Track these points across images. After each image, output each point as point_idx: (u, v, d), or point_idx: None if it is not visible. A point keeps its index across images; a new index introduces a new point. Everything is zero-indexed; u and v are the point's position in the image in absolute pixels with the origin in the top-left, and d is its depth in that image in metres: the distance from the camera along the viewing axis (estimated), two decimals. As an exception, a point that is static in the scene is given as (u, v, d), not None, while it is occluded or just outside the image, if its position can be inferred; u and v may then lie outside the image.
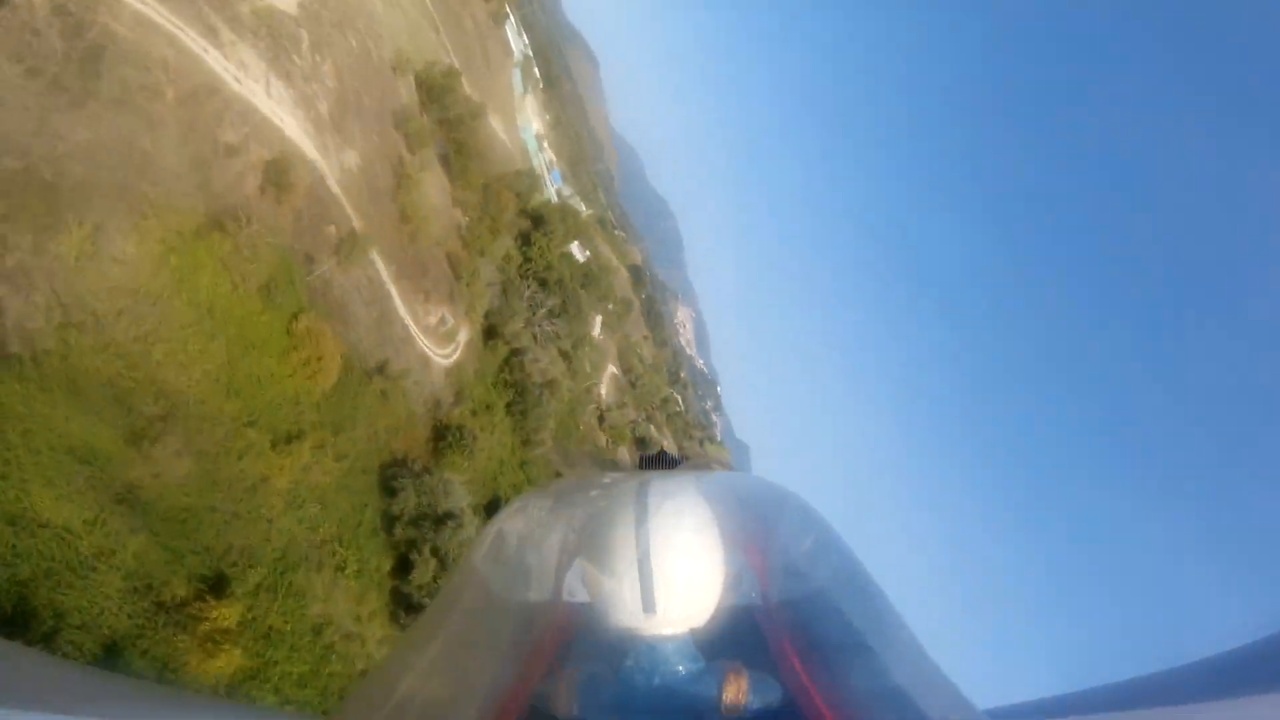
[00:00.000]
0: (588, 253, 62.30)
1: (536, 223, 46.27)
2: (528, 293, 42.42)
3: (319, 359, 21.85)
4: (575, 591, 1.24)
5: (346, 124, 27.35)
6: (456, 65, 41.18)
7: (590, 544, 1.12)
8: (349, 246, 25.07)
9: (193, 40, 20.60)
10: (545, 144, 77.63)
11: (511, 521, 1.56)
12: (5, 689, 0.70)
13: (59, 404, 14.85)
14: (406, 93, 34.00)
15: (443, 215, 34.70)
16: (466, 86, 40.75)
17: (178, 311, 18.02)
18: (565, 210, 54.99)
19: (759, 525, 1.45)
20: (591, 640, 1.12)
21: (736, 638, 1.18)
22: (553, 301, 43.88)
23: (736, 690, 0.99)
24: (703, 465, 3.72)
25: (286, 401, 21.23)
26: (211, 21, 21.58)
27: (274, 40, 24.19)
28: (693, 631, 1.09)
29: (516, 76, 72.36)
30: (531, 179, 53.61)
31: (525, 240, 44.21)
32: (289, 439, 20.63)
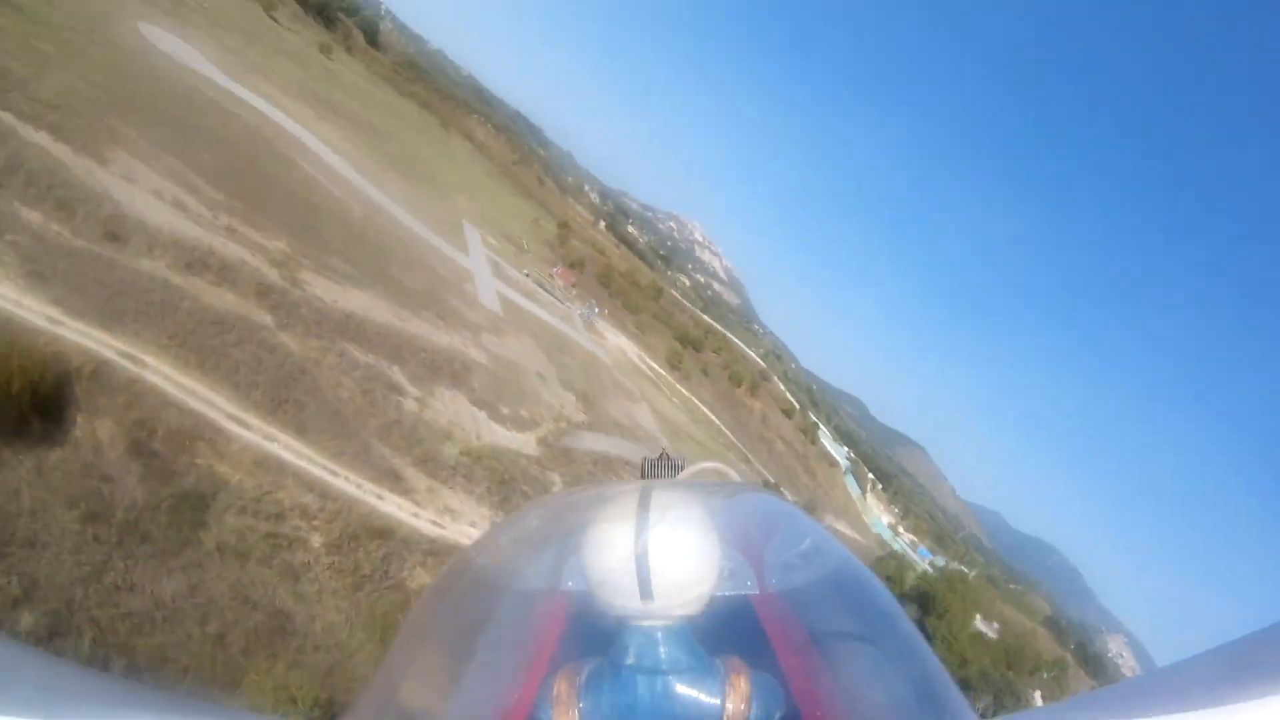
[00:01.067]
0: (995, 624, 54.19)
1: (924, 605, 43.01)
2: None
3: None
4: (575, 580, 1.23)
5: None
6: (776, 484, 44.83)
7: (590, 535, 1.11)
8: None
9: (355, 485, 16.39)
10: (900, 529, 76.19)
11: (512, 521, 1.59)
12: (5, 689, 0.67)
13: None
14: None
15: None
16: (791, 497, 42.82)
17: None
18: (949, 577, 51.44)
19: (758, 525, 1.46)
20: (590, 629, 1.12)
21: (735, 629, 1.18)
22: (984, 702, 37.19)
23: (739, 697, 0.99)
24: (707, 470, 2.67)
25: None
26: (390, 465, 17.73)
27: (502, 484, 20.05)
28: (690, 620, 1.09)
29: (850, 481, 75.60)
30: (897, 559, 52.13)
31: (920, 627, 40.70)
32: None
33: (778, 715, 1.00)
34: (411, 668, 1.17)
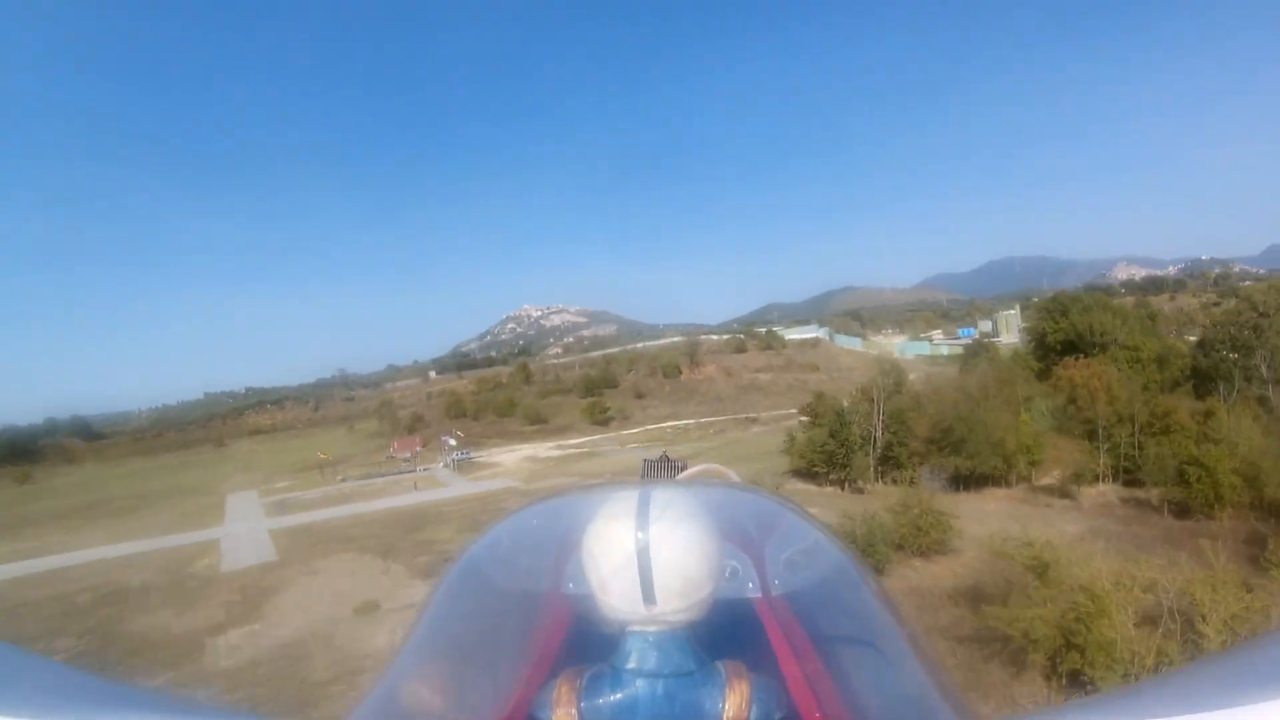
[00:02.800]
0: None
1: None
2: None
3: None
4: (575, 583, 1.27)
5: None
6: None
7: (591, 539, 1.08)
8: None
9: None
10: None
11: (515, 521, 1.47)
12: (5, 689, 0.70)
13: None
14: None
15: None
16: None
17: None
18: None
19: (757, 526, 1.46)
20: (591, 631, 1.11)
21: (735, 632, 1.18)
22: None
23: (740, 700, 0.98)
24: (706, 472, 1.92)
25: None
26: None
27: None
28: (692, 625, 1.06)
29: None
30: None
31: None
32: None
33: (778, 718, 1.01)
34: (414, 669, 1.16)
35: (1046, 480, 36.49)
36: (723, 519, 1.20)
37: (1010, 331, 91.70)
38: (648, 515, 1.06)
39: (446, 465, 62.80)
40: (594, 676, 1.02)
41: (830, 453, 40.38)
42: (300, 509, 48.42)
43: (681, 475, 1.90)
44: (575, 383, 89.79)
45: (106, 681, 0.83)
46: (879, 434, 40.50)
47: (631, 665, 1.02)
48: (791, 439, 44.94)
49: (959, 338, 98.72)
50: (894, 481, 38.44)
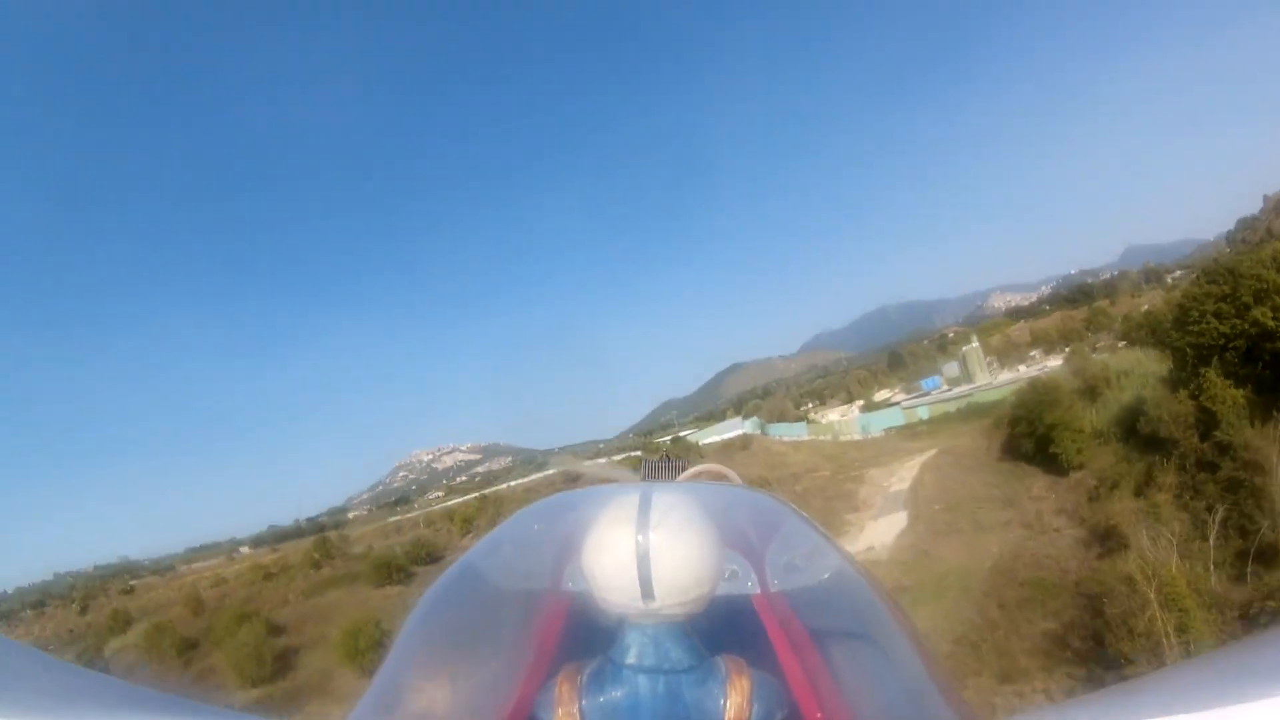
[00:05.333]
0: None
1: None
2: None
3: None
4: (575, 580, 1.28)
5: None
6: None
7: (591, 536, 1.10)
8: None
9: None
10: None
11: (513, 522, 1.49)
12: (5, 689, 0.69)
13: None
14: None
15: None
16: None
17: None
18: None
19: (757, 525, 1.46)
20: (591, 630, 1.12)
21: (736, 629, 1.19)
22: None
23: (741, 696, 0.99)
24: (706, 472, 1.96)
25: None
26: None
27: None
28: (691, 619, 1.07)
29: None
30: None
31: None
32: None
33: (779, 714, 1.02)
34: (413, 669, 1.15)
35: None
36: (723, 519, 1.20)
37: (984, 370, 68.18)
38: (648, 515, 1.05)
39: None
40: (594, 674, 1.02)
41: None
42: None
43: (682, 475, 1.88)
44: (387, 558, 53.40)
45: (106, 681, 0.82)
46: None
47: (631, 661, 1.02)
48: None
49: (923, 391, 74.58)
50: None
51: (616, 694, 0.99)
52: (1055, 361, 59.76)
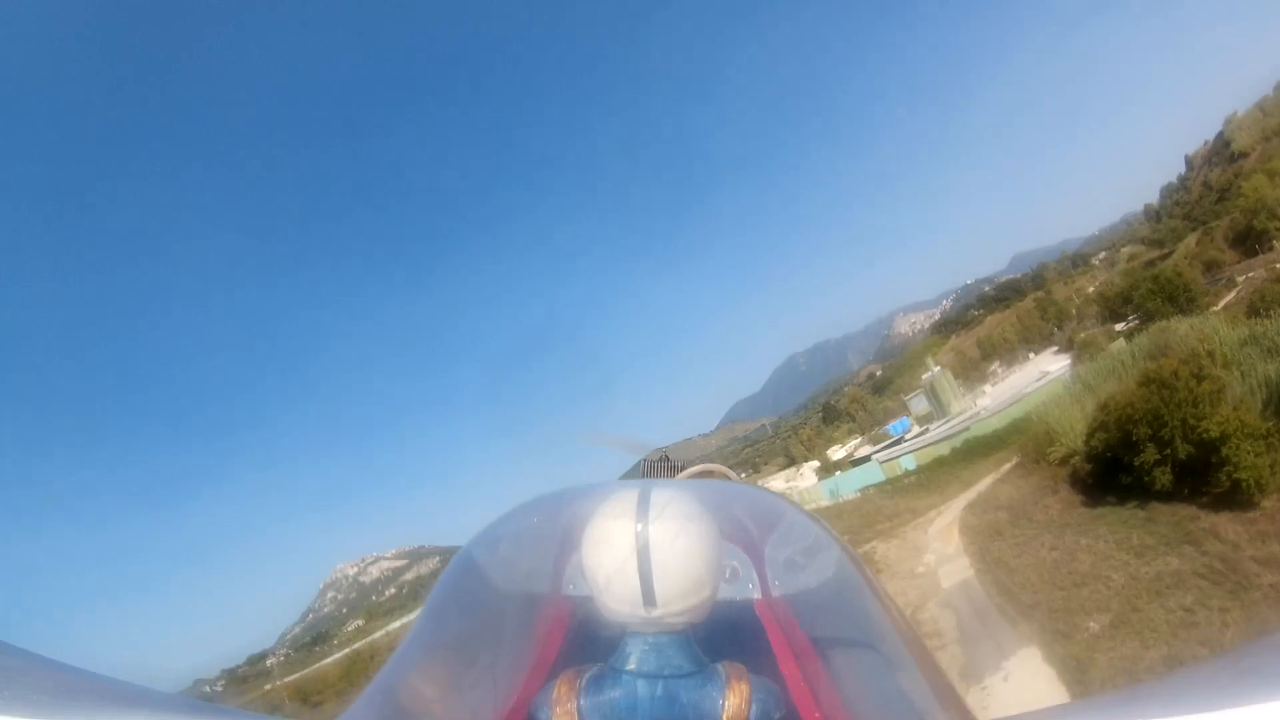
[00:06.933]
0: None
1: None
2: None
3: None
4: (576, 585, 1.32)
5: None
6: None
7: (592, 538, 1.09)
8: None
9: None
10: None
11: (512, 521, 1.45)
12: (5, 689, 0.70)
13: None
14: None
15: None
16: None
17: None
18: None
19: (758, 525, 1.45)
20: (591, 633, 1.13)
21: (736, 634, 1.21)
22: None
23: (740, 700, 0.99)
24: (706, 471, 1.98)
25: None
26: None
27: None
28: (692, 626, 1.08)
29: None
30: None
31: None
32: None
33: (778, 718, 1.02)
34: (413, 668, 1.15)
35: None
36: (723, 517, 1.19)
37: (959, 398, 55.74)
38: (647, 514, 1.05)
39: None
40: (593, 677, 1.03)
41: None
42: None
43: (681, 475, 1.85)
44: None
45: (107, 681, 0.80)
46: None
47: (631, 666, 1.03)
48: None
49: (894, 438, 60.95)
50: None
51: (615, 697, 1.00)
52: (1056, 364, 47.12)
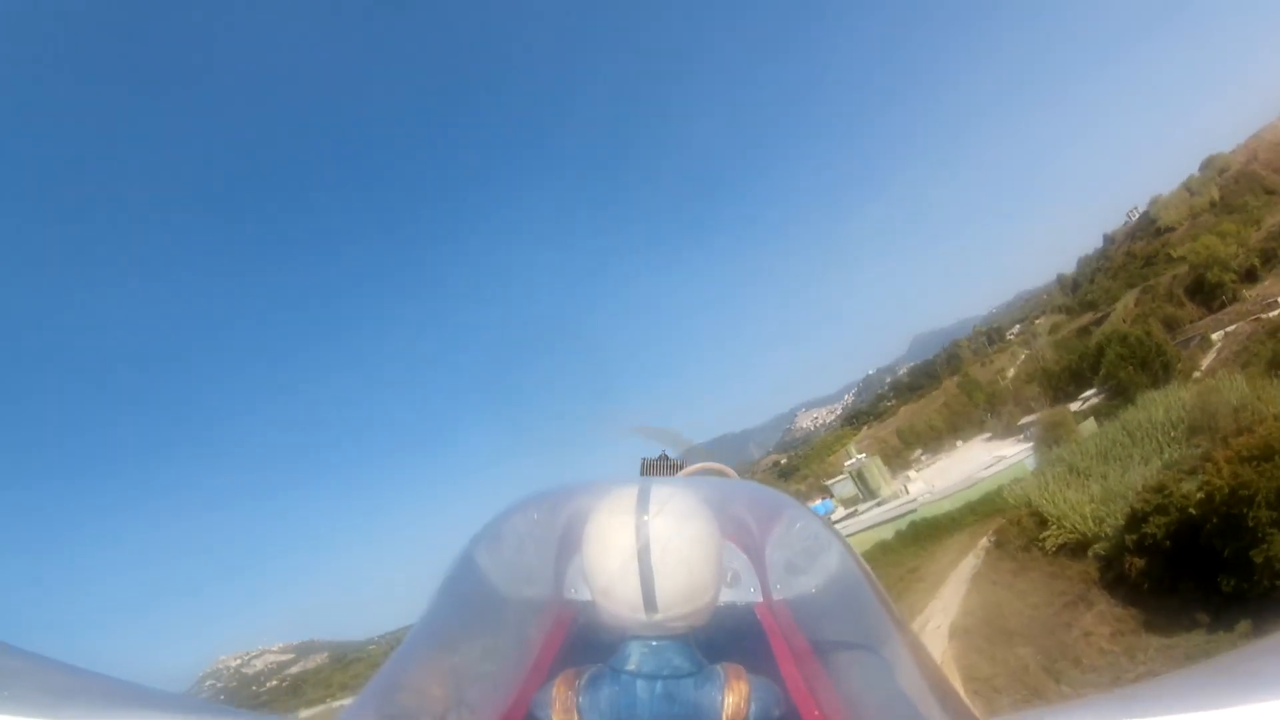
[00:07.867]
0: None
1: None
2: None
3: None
4: (576, 588, 1.30)
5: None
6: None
7: (592, 538, 1.09)
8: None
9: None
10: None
11: (513, 518, 1.44)
12: (5, 689, 0.69)
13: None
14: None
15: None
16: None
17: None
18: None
19: (759, 522, 1.44)
20: (592, 638, 1.12)
21: (737, 637, 1.20)
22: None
23: (739, 701, 0.99)
24: (706, 470, 1.90)
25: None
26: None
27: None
28: (693, 629, 1.08)
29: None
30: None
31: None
32: None
33: (776, 716, 1.02)
34: (414, 666, 1.15)
35: None
36: (722, 510, 1.20)
37: (888, 482, 49.84)
38: (647, 506, 1.05)
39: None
40: (593, 676, 1.02)
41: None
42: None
43: (681, 473, 1.85)
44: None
45: (107, 681, 0.80)
46: None
47: (630, 666, 1.03)
48: None
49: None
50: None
51: (614, 695, 1.00)
52: (1008, 449, 41.84)
